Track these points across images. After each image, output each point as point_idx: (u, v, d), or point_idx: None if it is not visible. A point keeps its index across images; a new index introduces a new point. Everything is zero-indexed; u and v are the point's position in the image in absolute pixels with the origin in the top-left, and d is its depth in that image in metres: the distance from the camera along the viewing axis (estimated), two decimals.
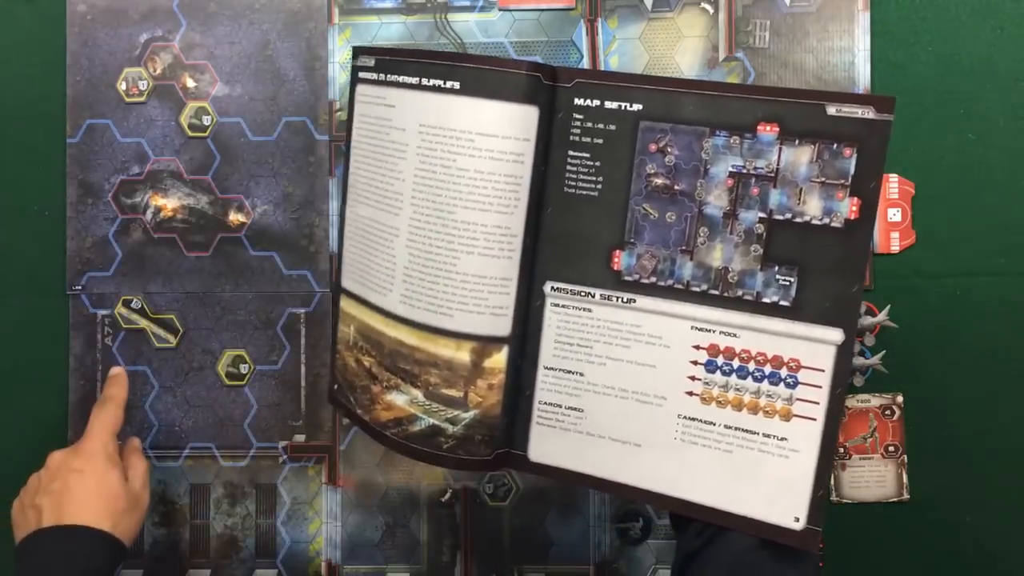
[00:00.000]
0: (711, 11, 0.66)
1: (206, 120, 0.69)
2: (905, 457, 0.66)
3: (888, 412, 0.66)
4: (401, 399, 0.57)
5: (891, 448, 0.66)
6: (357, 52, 0.59)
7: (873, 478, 0.66)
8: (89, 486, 0.58)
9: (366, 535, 0.69)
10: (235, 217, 0.69)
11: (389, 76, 0.57)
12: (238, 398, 0.69)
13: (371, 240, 0.58)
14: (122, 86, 0.69)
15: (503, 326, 0.55)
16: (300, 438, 0.69)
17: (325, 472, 0.69)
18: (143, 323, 0.70)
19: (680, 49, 0.66)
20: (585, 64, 0.67)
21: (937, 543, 0.66)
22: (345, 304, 0.61)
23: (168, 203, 0.69)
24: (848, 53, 0.65)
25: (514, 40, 0.67)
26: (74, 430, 0.69)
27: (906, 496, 0.66)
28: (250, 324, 0.69)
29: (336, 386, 0.63)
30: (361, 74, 0.59)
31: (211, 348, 0.69)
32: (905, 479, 0.66)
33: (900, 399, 0.66)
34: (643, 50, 0.67)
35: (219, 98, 0.69)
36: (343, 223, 0.61)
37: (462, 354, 0.55)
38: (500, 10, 0.68)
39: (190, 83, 0.69)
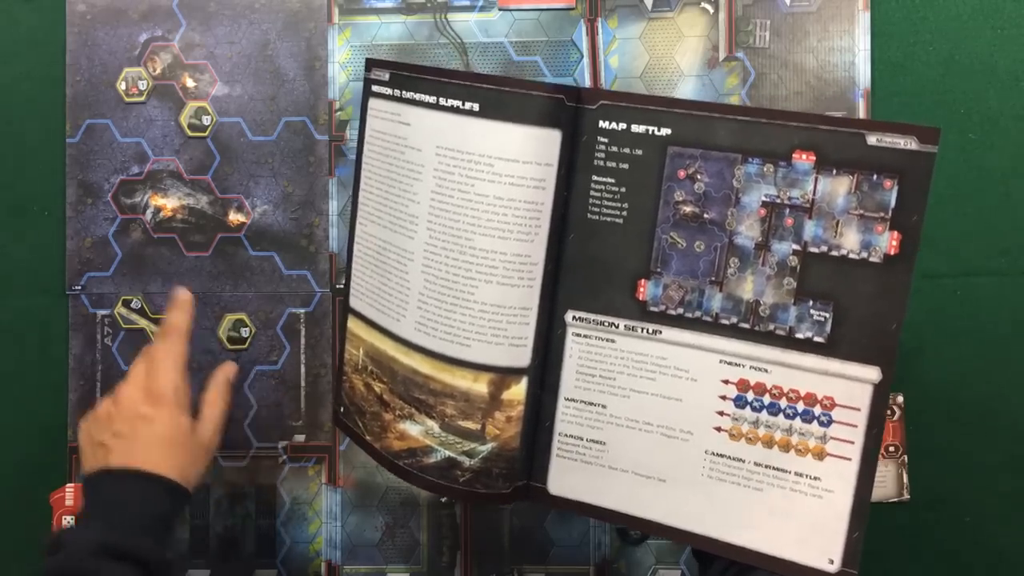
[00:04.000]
0: (711, 11, 0.66)
1: (206, 120, 0.69)
2: (905, 457, 0.66)
3: (888, 412, 0.66)
4: (415, 429, 0.56)
5: (891, 448, 0.66)
6: (370, 64, 0.57)
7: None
8: (157, 433, 0.57)
9: (366, 535, 0.69)
10: (235, 217, 0.69)
11: (405, 93, 0.54)
12: (238, 398, 0.69)
13: (384, 262, 0.56)
14: (122, 86, 0.69)
15: (522, 357, 0.54)
16: (300, 438, 0.69)
17: (325, 472, 0.69)
18: (143, 323, 0.70)
19: (680, 49, 0.66)
20: (585, 64, 0.67)
21: (937, 543, 0.66)
22: (353, 325, 0.59)
23: (168, 203, 0.69)
24: (848, 53, 0.65)
25: (514, 40, 0.67)
26: (74, 430, 0.69)
27: (906, 496, 0.66)
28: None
29: (342, 409, 0.61)
30: (374, 87, 0.56)
31: (211, 348, 0.69)
32: (905, 479, 0.66)
33: (900, 399, 0.66)
34: (643, 50, 0.67)
35: (219, 98, 0.69)
36: (352, 241, 0.59)
37: (480, 386, 0.54)
38: (500, 10, 0.67)
39: (190, 83, 0.69)
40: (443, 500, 0.68)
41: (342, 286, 0.68)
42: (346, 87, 0.68)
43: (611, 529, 0.67)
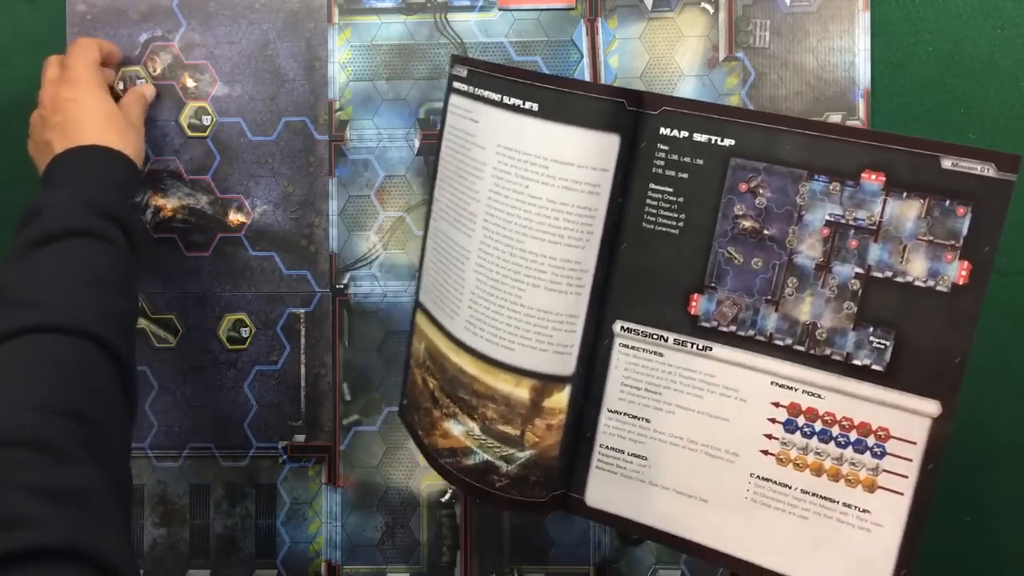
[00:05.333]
0: (711, 11, 0.66)
1: (206, 120, 0.69)
2: None
3: None
4: (457, 429, 0.55)
5: None
6: (454, 61, 0.56)
7: None
8: (87, 109, 0.59)
9: (366, 535, 0.69)
10: (235, 217, 0.69)
11: (477, 90, 0.53)
12: (238, 398, 0.69)
13: (445, 259, 0.56)
14: (120, 85, 0.69)
15: (567, 365, 0.53)
16: (300, 438, 0.69)
17: (325, 472, 0.69)
18: (143, 323, 0.70)
19: (680, 49, 0.66)
20: (585, 64, 0.67)
21: (937, 543, 0.66)
22: (419, 320, 0.59)
23: (168, 203, 0.69)
24: (848, 53, 0.65)
25: (514, 40, 0.67)
26: None
27: None
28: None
29: (405, 402, 0.61)
30: (455, 84, 0.55)
31: (211, 348, 0.69)
32: None
33: None
34: (643, 50, 0.67)
35: (219, 98, 0.69)
36: (425, 236, 0.59)
37: (521, 391, 0.53)
38: (500, 10, 0.67)
39: (190, 83, 0.69)
40: (443, 500, 0.68)
41: (342, 286, 0.68)
42: (346, 87, 0.68)
43: (611, 529, 0.67)
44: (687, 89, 0.66)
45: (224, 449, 0.69)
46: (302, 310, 0.69)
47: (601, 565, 0.67)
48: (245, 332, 0.69)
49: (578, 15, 0.67)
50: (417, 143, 0.68)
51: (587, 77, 0.67)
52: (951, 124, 0.65)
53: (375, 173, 0.68)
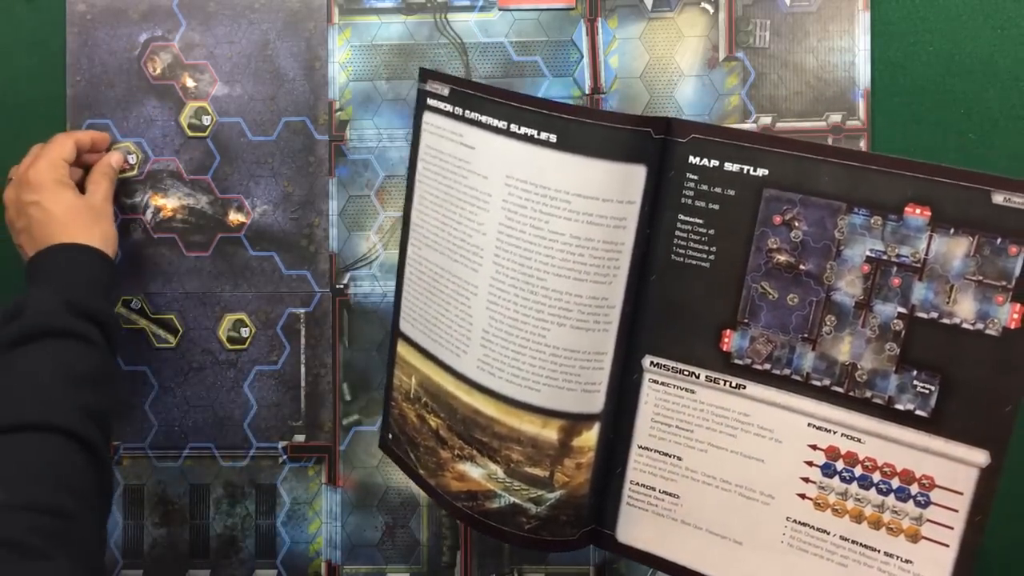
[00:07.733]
0: (711, 11, 0.66)
1: (206, 120, 0.69)
2: None
3: None
4: (477, 472, 0.53)
5: None
6: (425, 75, 0.53)
7: None
8: (48, 210, 0.60)
9: (366, 535, 0.69)
10: (235, 217, 0.69)
11: (468, 112, 0.51)
12: (238, 398, 0.69)
13: (440, 291, 0.53)
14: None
15: (595, 402, 0.51)
16: (300, 438, 0.69)
17: (325, 472, 0.69)
18: (143, 323, 0.70)
19: (680, 49, 0.66)
20: (585, 64, 0.67)
21: None
22: (404, 351, 0.57)
23: (168, 203, 0.69)
24: (848, 53, 0.65)
25: (514, 40, 0.67)
26: None
27: None
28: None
29: (391, 436, 0.59)
30: (431, 101, 0.53)
31: (211, 348, 0.69)
32: None
33: None
34: (643, 50, 0.67)
35: (219, 98, 0.69)
36: (403, 262, 0.57)
37: (549, 432, 0.51)
38: (500, 10, 0.67)
39: (190, 83, 0.69)
40: None
41: (342, 286, 0.68)
42: (346, 87, 0.68)
43: None
44: (687, 89, 0.66)
45: (224, 449, 0.69)
46: (302, 310, 0.69)
47: (601, 565, 0.67)
48: (245, 332, 0.69)
49: (578, 15, 0.67)
50: None
51: (587, 77, 0.67)
52: (951, 124, 0.65)
53: (375, 173, 0.68)
